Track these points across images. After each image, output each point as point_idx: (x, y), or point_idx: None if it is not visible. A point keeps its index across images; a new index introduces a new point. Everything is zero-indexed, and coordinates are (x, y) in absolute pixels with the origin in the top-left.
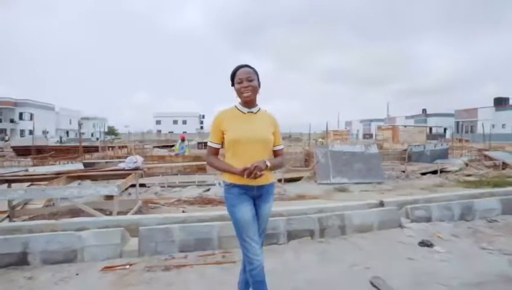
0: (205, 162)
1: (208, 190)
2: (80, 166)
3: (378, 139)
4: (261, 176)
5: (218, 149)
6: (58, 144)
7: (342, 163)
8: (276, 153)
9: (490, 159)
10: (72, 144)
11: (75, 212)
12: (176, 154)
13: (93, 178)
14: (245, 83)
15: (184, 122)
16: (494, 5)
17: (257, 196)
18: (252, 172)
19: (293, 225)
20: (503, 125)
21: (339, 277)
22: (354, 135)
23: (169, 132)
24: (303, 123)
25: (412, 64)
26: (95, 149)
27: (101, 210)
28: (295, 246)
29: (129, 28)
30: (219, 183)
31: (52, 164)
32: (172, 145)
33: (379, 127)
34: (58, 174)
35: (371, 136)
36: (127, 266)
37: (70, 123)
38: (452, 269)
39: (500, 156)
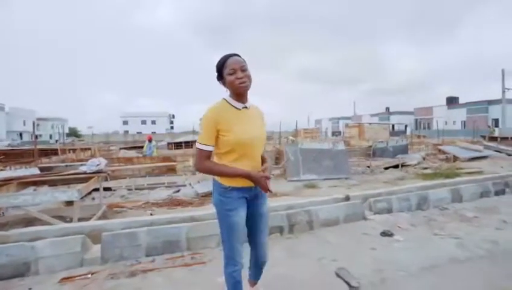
0: (175, 163)
1: (178, 191)
2: (36, 171)
3: (346, 136)
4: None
5: (211, 152)
6: (10, 148)
7: (311, 160)
8: None
9: (443, 153)
10: (27, 147)
11: (30, 221)
12: (144, 156)
13: (51, 183)
14: (240, 73)
15: (153, 122)
16: (448, 15)
17: (253, 196)
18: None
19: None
20: (454, 122)
21: (307, 271)
22: (323, 132)
23: (137, 133)
24: (274, 121)
25: (377, 65)
26: (54, 152)
27: (61, 217)
28: None
29: (94, 22)
30: (189, 184)
31: (1, 170)
32: (142, 147)
33: (346, 125)
34: (7, 181)
35: (339, 133)
36: (89, 275)
37: (24, 124)
38: (409, 256)
39: (451, 150)
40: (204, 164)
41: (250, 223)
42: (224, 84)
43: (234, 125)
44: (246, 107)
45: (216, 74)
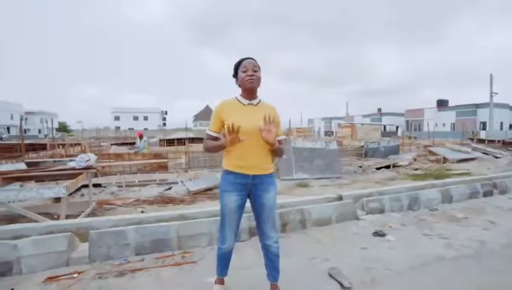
0: (166, 160)
1: (170, 188)
2: (22, 166)
3: (339, 136)
4: (239, 140)
5: (215, 138)
6: None
7: (303, 159)
8: (278, 143)
9: (433, 154)
10: (15, 141)
11: (14, 218)
12: (135, 152)
13: (39, 179)
14: (250, 72)
15: (145, 118)
16: (436, 18)
17: (253, 185)
18: (234, 129)
19: (255, 221)
20: (444, 124)
21: (299, 270)
22: (316, 132)
23: (129, 129)
24: None
25: (368, 66)
26: (43, 147)
27: (48, 214)
28: (256, 242)
29: (82, 15)
30: (181, 181)
31: None
32: (133, 143)
33: (339, 125)
34: None
35: (332, 133)
36: (75, 275)
37: (11, 118)
38: (399, 255)
39: (441, 151)
40: (205, 143)
41: (254, 213)
42: (237, 81)
43: (233, 115)
44: (251, 104)
45: (233, 72)
